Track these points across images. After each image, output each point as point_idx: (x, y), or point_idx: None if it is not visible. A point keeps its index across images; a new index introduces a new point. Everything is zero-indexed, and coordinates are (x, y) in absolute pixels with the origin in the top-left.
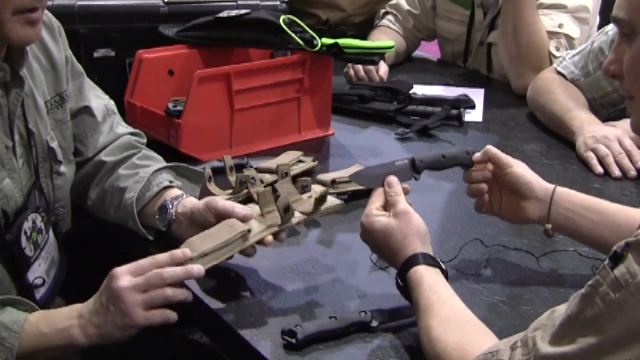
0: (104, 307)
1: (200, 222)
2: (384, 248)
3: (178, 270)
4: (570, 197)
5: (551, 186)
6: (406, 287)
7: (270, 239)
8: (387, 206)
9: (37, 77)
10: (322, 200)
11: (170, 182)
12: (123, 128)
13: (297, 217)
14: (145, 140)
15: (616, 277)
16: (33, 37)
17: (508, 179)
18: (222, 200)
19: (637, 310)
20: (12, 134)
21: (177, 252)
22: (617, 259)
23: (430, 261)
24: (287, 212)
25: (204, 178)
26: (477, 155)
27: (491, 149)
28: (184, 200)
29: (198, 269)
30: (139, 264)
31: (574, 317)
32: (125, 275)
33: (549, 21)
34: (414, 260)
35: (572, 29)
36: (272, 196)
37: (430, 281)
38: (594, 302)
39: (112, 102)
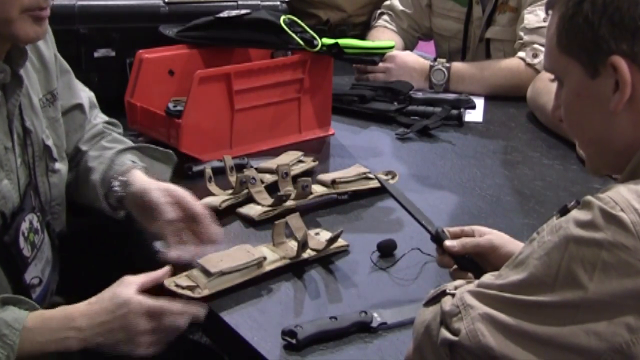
0: (114, 332)
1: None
2: None
3: (190, 314)
4: None
5: None
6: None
7: None
8: None
9: (31, 76)
10: (333, 240)
11: (134, 162)
12: (100, 118)
13: (308, 252)
14: (120, 130)
15: (556, 224)
16: (40, 34)
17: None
18: (179, 189)
19: (555, 253)
20: (12, 134)
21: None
22: (564, 212)
23: None
24: (304, 246)
25: (173, 158)
26: (450, 244)
27: (467, 243)
28: (129, 174)
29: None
30: (154, 310)
31: (513, 258)
32: (145, 318)
33: (533, 17)
34: None
35: None
36: (284, 229)
37: None
38: (532, 245)
39: (92, 94)
